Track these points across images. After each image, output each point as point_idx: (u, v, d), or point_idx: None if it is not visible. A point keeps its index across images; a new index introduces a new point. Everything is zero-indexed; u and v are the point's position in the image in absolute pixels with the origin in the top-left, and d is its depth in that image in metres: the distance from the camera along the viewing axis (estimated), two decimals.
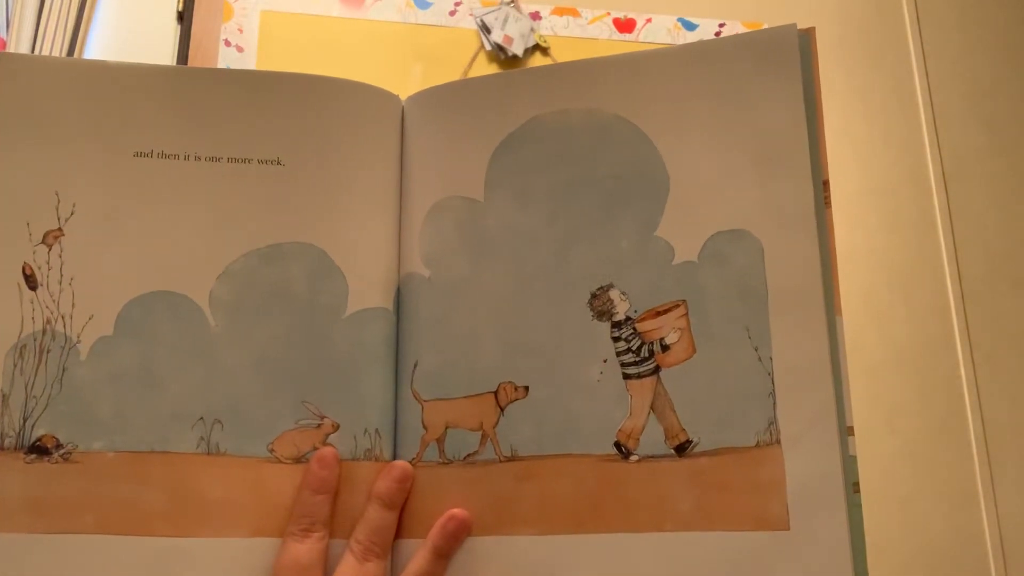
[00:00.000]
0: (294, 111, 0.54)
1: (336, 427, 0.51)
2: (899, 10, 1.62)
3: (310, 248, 0.53)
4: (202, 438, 0.50)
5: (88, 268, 0.51)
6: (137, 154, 0.52)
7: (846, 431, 0.47)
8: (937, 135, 1.56)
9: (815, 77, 0.51)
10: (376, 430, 0.51)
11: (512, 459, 0.50)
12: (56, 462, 0.49)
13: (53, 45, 1.49)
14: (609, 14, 1.51)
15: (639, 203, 0.51)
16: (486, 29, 1.45)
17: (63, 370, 0.50)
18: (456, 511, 0.49)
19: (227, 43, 1.36)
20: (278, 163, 0.53)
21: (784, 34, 0.51)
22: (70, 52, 1.52)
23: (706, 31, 1.53)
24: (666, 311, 0.50)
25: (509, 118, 0.54)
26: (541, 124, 0.53)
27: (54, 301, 0.50)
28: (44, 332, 0.50)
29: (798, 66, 0.51)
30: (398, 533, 0.50)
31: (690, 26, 1.53)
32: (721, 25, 1.53)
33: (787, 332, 0.48)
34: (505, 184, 0.53)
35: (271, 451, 0.50)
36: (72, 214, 0.51)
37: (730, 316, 0.49)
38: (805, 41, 0.51)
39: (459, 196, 0.54)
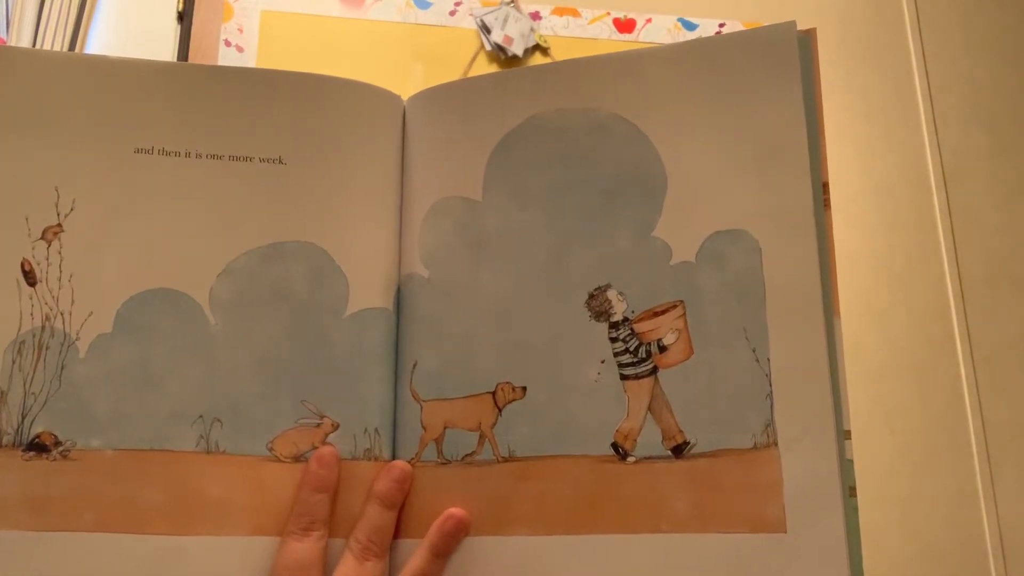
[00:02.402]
0: (297, 110, 0.54)
1: (336, 426, 0.51)
2: (899, 10, 1.62)
3: (311, 247, 0.52)
4: (201, 436, 0.50)
5: (88, 265, 0.51)
6: (138, 150, 0.52)
7: (843, 434, 0.47)
8: (937, 135, 1.56)
9: (816, 79, 0.51)
10: (375, 430, 0.51)
11: (510, 459, 0.50)
12: (54, 459, 0.49)
13: (53, 45, 1.48)
14: (609, 14, 1.50)
15: (637, 203, 0.51)
16: (486, 29, 1.44)
17: (62, 367, 0.50)
18: (454, 511, 0.49)
19: (227, 43, 1.36)
20: (280, 162, 0.53)
21: (783, 32, 0.51)
22: (70, 51, 1.52)
23: (706, 31, 1.52)
24: (664, 312, 0.50)
25: (507, 117, 0.53)
26: (539, 123, 0.53)
27: (53, 298, 0.50)
28: (43, 329, 0.50)
29: (797, 64, 0.50)
30: (397, 533, 0.50)
31: (690, 26, 1.53)
32: (721, 25, 1.53)
33: (785, 333, 0.48)
34: (503, 184, 0.53)
35: (271, 450, 0.50)
36: (72, 210, 0.51)
37: (728, 317, 0.49)
38: (805, 42, 0.51)
39: (458, 196, 0.53)
